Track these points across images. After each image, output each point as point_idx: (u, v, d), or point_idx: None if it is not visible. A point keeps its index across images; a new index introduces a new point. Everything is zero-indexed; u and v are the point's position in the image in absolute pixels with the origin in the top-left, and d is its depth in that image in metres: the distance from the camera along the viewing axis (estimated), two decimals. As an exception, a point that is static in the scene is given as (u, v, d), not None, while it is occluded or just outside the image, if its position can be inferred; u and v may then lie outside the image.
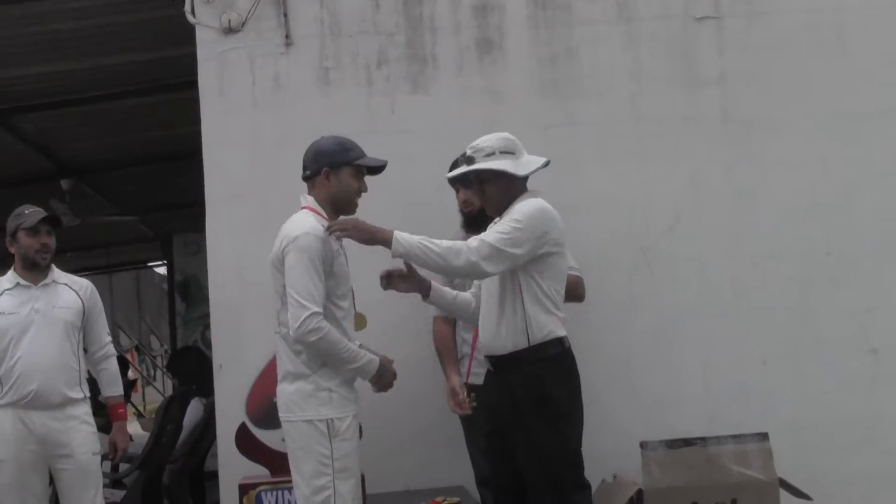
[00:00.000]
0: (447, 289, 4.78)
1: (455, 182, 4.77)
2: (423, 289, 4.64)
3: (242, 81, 5.75)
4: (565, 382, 4.45)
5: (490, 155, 4.47)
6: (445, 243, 4.31)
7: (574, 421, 4.46)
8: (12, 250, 5.33)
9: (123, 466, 7.35)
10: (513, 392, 4.41)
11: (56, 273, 5.41)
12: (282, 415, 4.34)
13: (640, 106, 5.91)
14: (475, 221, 5.10)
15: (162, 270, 15.88)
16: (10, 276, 5.34)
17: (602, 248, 5.74)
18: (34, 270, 5.31)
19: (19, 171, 9.29)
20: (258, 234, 5.68)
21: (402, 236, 4.28)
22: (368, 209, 5.69)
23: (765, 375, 5.80)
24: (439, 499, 5.04)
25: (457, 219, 5.34)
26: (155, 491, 7.26)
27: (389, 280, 4.58)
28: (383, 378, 4.47)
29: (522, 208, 4.41)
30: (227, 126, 5.73)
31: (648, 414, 5.63)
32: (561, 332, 4.45)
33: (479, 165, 4.47)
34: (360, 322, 4.70)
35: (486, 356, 4.60)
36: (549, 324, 4.40)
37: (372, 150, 5.68)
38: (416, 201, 5.51)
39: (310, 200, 4.45)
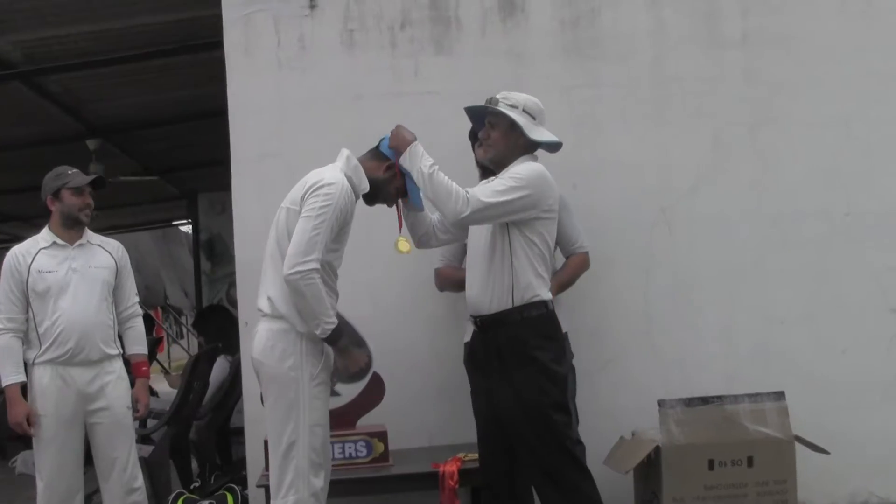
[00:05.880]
0: None
1: (470, 113, 4.82)
2: None
3: (268, 43, 5.79)
4: (548, 343, 4.52)
5: (513, 107, 4.54)
6: (451, 183, 4.39)
7: (558, 380, 4.53)
8: (53, 208, 5.42)
9: (151, 423, 7.48)
10: (498, 352, 4.50)
11: (89, 234, 5.51)
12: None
13: (662, 68, 5.92)
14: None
15: (187, 229, 15.92)
16: (46, 235, 5.44)
17: (622, 208, 5.80)
18: (73, 229, 5.42)
19: (47, 131, 9.38)
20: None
21: (417, 150, 4.42)
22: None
23: (784, 335, 5.85)
24: (461, 455, 5.11)
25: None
26: (182, 446, 7.38)
27: None
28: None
29: (523, 169, 4.48)
30: (253, 87, 5.79)
31: (668, 373, 5.68)
32: (546, 296, 4.52)
33: (500, 108, 4.54)
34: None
35: (472, 315, 4.66)
36: (535, 286, 4.47)
37: (396, 112, 5.73)
38: (439, 162, 5.56)
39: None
